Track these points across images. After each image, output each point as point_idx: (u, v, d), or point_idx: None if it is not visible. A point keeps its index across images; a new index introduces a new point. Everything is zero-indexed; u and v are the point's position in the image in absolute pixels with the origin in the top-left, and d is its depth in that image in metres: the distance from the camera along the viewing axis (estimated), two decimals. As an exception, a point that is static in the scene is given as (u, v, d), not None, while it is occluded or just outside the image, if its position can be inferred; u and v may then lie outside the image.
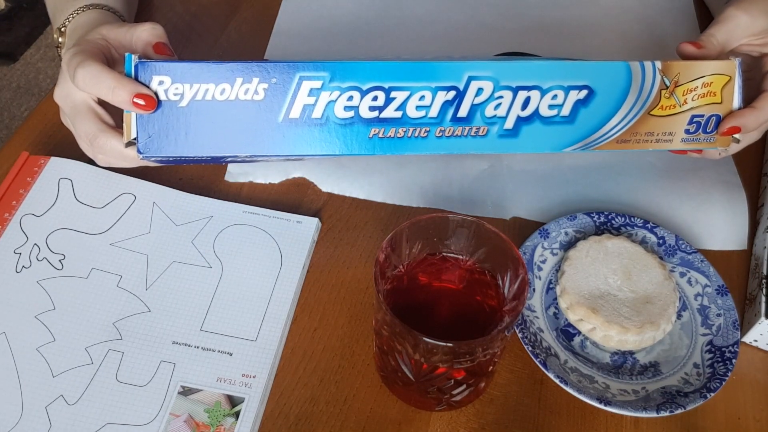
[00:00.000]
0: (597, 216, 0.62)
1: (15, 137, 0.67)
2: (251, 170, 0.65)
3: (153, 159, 0.49)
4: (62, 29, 0.61)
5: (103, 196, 0.61)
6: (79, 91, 0.52)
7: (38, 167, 0.62)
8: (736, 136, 0.55)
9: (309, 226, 0.61)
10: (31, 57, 1.91)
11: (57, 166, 0.62)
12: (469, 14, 0.81)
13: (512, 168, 0.67)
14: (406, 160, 0.67)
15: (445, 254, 0.52)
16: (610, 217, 0.62)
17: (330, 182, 0.65)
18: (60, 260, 0.57)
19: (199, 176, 0.65)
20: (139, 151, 0.48)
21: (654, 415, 0.50)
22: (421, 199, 0.65)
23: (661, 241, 0.61)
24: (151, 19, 0.79)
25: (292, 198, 0.64)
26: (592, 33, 0.80)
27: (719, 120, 0.54)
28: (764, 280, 0.57)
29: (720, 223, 0.64)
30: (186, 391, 0.51)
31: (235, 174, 0.65)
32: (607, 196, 0.66)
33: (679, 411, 0.50)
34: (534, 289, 0.58)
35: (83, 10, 0.61)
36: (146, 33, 0.53)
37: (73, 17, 0.61)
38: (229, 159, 0.51)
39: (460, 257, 0.52)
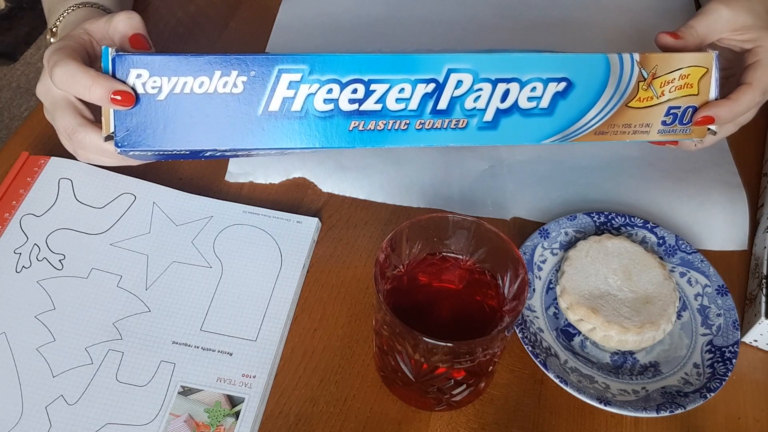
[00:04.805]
0: (597, 216, 0.62)
1: (15, 137, 0.67)
2: (251, 170, 0.65)
3: (131, 153, 0.49)
4: (54, 29, 0.61)
5: (103, 196, 0.61)
6: None
7: (38, 167, 0.62)
8: (712, 127, 0.55)
9: (309, 226, 0.61)
10: (31, 57, 1.91)
11: (57, 166, 0.62)
12: (469, 14, 0.81)
13: (512, 168, 0.67)
14: (405, 160, 0.67)
15: (445, 254, 0.52)
16: (610, 217, 0.62)
17: (330, 182, 0.65)
18: (60, 260, 0.57)
19: (199, 176, 0.65)
20: (117, 145, 0.48)
21: (654, 415, 0.50)
22: (421, 199, 0.65)
23: (661, 241, 0.61)
24: (150, 20, 0.79)
25: (292, 198, 0.64)
26: (592, 33, 0.80)
27: (695, 111, 0.54)
28: (764, 280, 0.57)
29: (720, 223, 0.64)
30: (186, 391, 0.51)
31: (235, 174, 0.65)
32: (607, 196, 0.66)
33: (679, 411, 0.50)
34: (534, 289, 0.58)
35: (73, 9, 0.61)
36: (122, 24, 0.52)
37: (63, 17, 0.61)
38: (208, 153, 0.51)
39: (460, 257, 0.52)
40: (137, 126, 0.48)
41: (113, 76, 0.47)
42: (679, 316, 0.57)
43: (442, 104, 0.50)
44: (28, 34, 1.96)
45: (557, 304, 0.57)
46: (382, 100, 0.49)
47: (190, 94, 0.48)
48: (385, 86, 0.49)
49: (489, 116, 0.50)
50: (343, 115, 0.49)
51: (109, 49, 0.48)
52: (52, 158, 0.62)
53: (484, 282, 0.52)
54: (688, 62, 0.53)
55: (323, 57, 0.48)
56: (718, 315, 0.56)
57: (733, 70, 0.58)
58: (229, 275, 0.57)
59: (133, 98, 0.47)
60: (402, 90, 0.49)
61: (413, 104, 0.49)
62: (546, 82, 0.50)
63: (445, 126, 0.50)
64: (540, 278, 0.59)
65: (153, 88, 0.47)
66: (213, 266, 0.58)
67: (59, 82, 0.50)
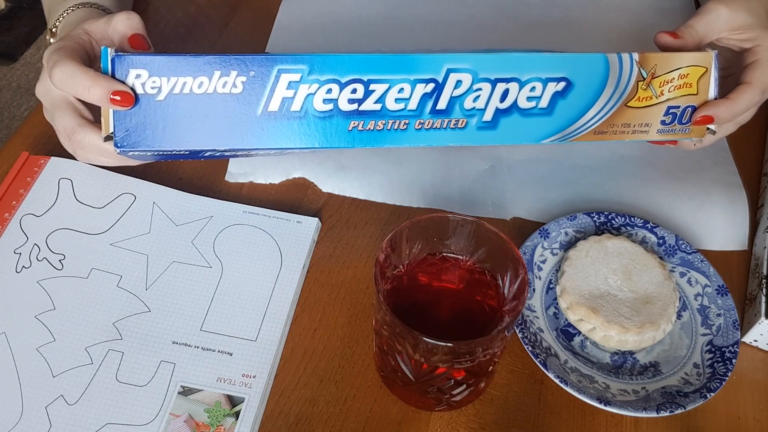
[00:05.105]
0: (597, 216, 0.62)
1: (15, 137, 0.67)
2: (251, 170, 0.65)
3: (130, 153, 0.49)
4: (53, 30, 0.61)
5: (103, 196, 0.61)
6: None
7: (38, 167, 0.62)
8: (711, 127, 0.55)
9: (309, 226, 0.61)
10: (31, 57, 1.91)
11: (57, 166, 0.62)
12: (469, 14, 0.81)
13: (512, 168, 0.67)
14: (405, 160, 0.67)
15: (445, 254, 0.52)
16: (610, 217, 0.62)
17: (330, 182, 0.65)
18: (60, 260, 0.57)
19: (199, 176, 0.65)
20: (116, 145, 0.48)
21: (654, 415, 0.50)
22: (421, 199, 0.65)
23: (661, 241, 0.61)
24: (150, 21, 0.79)
25: (292, 198, 0.64)
26: (592, 33, 0.80)
27: (694, 111, 0.54)
28: (764, 280, 0.57)
29: (720, 223, 0.64)
30: (186, 391, 0.51)
31: (235, 174, 0.65)
32: (607, 196, 0.66)
33: (679, 411, 0.50)
34: (534, 289, 0.58)
35: (73, 9, 0.61)
36: (121, 25, 0.52)
37: (63, 17, 0.61)
38: (208, 153, 0.51)
39: (460, 257, 0.52)
40: (136, 126, 0.48)
41: (113, 76, 0.47)
42: (679, 316, 0.57)
43: (442, 104, 0.50)
44: (28, 34, 1.96)
45: (557, 304, 0.57)
46: (381, 100, 0.49)
47: (190, 95, 0.48)
48: (385, 86, 0.49)
49: (488, 116, 0.50)
50: (343, 115, 0.49)
51: (109, 50, 0.48)
52: (52, 158, 0.62)
53: (484, 282, 0.52)
54: (687, 62, 0.53)
55: (322, 57, 0.48)
56: (718, 315, 0.56)
57: (732, 70, 0.58)
58: (229, 275, 0.57)
59: (132, 98, 0.47)
60: (401, 90, 0.49)
61: (412, 104, 0.49)
62: (545, 82, 0.50)
63: (444, 126, 0.50)
64: (540, 278, 0.59)
65: (152, 88, 0.47)
66: (213, 266, 0.58)
67: (58, 83, 0.50)
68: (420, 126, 0.50)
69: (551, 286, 0.59)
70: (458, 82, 0.49)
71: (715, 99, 0.54)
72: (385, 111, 0.49)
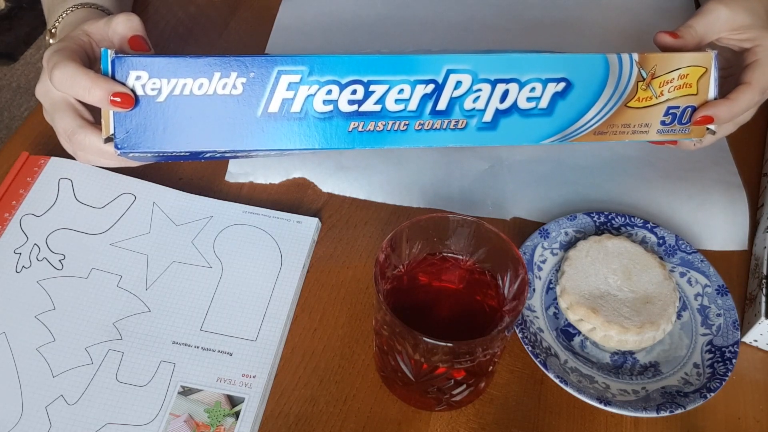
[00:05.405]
0: (597, 216, 0.62)
1: (15, 137, 0.67)
2: (251, 170, 0.65)
3: (131, 155, 0.49)
4: (53, 30, 0.61)
5: (103, 196, 0.61)
6: None
7: (38, 167, 0.62)
8: (711, 127, 0.55)
9: (309, 226, 0.61)
10: (31, 57, 1.91)
11: (57, 166, 0.62)
12: (469, 14, 0.81)
13: (512, 168, 0.67)
14: (405, 160, 0.67)
15: (445, 254, 0.52)
16: (610, 217, 0.62)
17: (330, 182, 0.65)
18: (60, 260, 0.57)
19: (199, 176, 0.65)
20: (116, 147, 0.48)
21: (654, 415, 0.50)
22: (421, 199, 0.65)
23: (661, 241, 0.61)
24: (150, 21, 0.79)
25: (292, 198, 0.64)
26: (592, 33, 0.80)
27: (694, 111, 0.54)
28: (764, 280, 0.57)
29: (720, 223, 0.64)
30: (186, 391, 0.51)
31: (235, 174, 0.65)
32: (607, 196, 0.66)
33: (679, 411, 0.50)
34: (534, 289, 0.58)
35: (72, 10, 0.61)
36: (121, 26, 0.52)
37: (62, 18, 0.60)
38: (208, 154, 0.51)
39: (460, 257, 0.52)
40: (137, 128, 0.48)
41: (113, 77, 0.48)
42: (679, 316, 0.57)
43: (442, 105, 0.50)
44: (28, 34, 1.96)
45: (557, 304, 0.57)
46: (381, 100, 0.49)
47: (190, 96, 0.48)
48: (385, 87, 0.49)
49: (488, 117, 0.50)
50: (343, 116, 0.49)
51: (109, 51, 0.48)
52: (52, 158, 0.62)
53: (484, 282, 0.52)
54: (687, 62, 0.53)
55: (322, 58, 0.48)
56: (718, 315, 0.56)
57: (732, 70, 0.58)
58: (229, 275, 0.57)
59: (132, 100, 0.47)
60: (401, 91, 0.49)
61: (412, 105, 0.49)
62: (545, 83, 0.50)
63: (444, 127, 0.50)
64: (540, 278, 0.59)
65: (152, 89, 0.47)
66: (213, 266, 0.58)
67: (59, 84, 0.50)
68: (420, 127, 0.50)
69: (551, 286, 0.59)
70: (458, 83, 0.49)
71: (715, 99, 0.54)
72: (385, 112, 0.49)
